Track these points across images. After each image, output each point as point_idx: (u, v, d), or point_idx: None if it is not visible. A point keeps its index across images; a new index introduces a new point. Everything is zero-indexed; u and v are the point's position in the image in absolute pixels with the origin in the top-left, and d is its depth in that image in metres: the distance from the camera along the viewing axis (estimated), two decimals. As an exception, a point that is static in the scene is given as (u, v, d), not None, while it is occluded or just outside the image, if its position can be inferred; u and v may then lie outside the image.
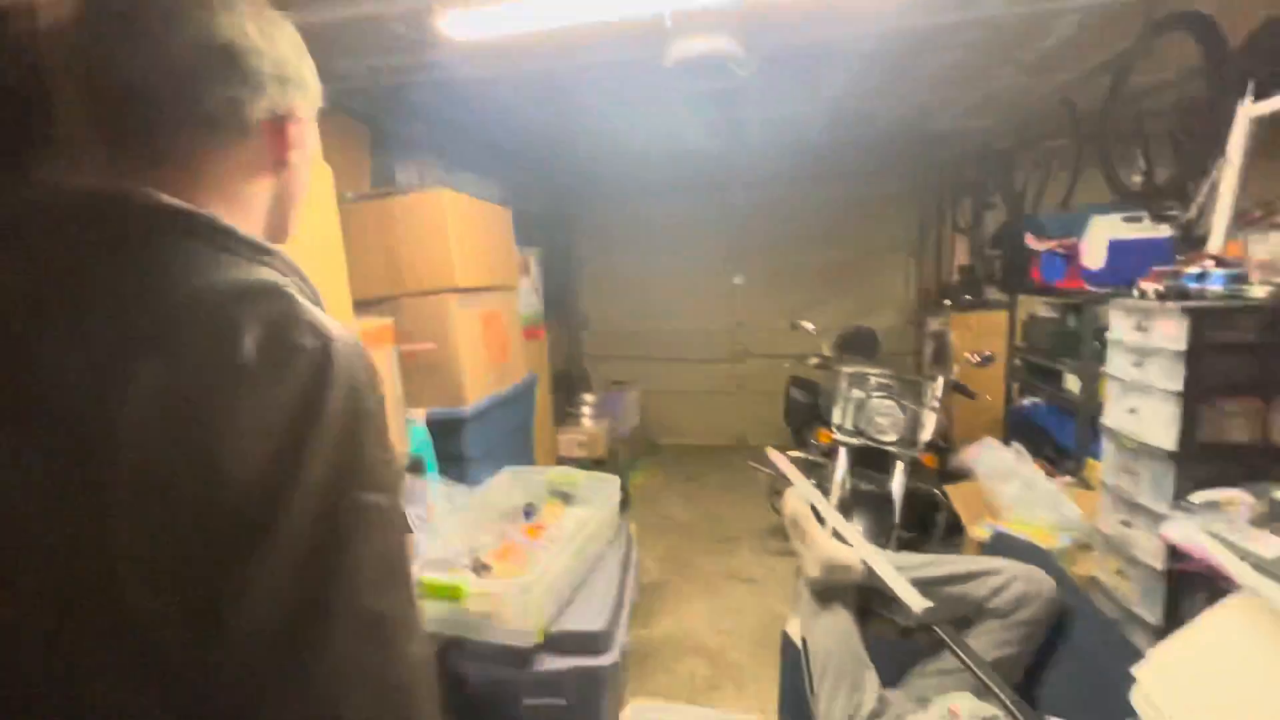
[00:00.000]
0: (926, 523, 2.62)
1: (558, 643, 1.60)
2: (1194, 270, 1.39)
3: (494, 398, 2.26)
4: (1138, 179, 2.33)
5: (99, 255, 0.47)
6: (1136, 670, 0.75)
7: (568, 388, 4.42)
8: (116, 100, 0.50)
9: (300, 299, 0.49)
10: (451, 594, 1.50)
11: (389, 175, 2.62)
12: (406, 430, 1.82)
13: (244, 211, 0.56)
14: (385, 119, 2.65)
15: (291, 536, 0.45)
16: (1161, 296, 1.39)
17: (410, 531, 0.51)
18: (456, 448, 2.10)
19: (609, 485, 2.10)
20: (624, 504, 2.38)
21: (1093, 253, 2.32)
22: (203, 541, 0.44)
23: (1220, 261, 1.38)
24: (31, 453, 0.44)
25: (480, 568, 1.65)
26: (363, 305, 2.02)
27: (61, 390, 0.44)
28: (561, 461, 3.61)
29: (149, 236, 0.48)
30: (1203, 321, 1.29)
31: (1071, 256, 2.55)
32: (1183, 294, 1.37)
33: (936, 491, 2.62)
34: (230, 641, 0.45)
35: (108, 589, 0.44)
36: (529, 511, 2.03)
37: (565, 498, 2.12)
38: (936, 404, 2.66)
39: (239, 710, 0.46)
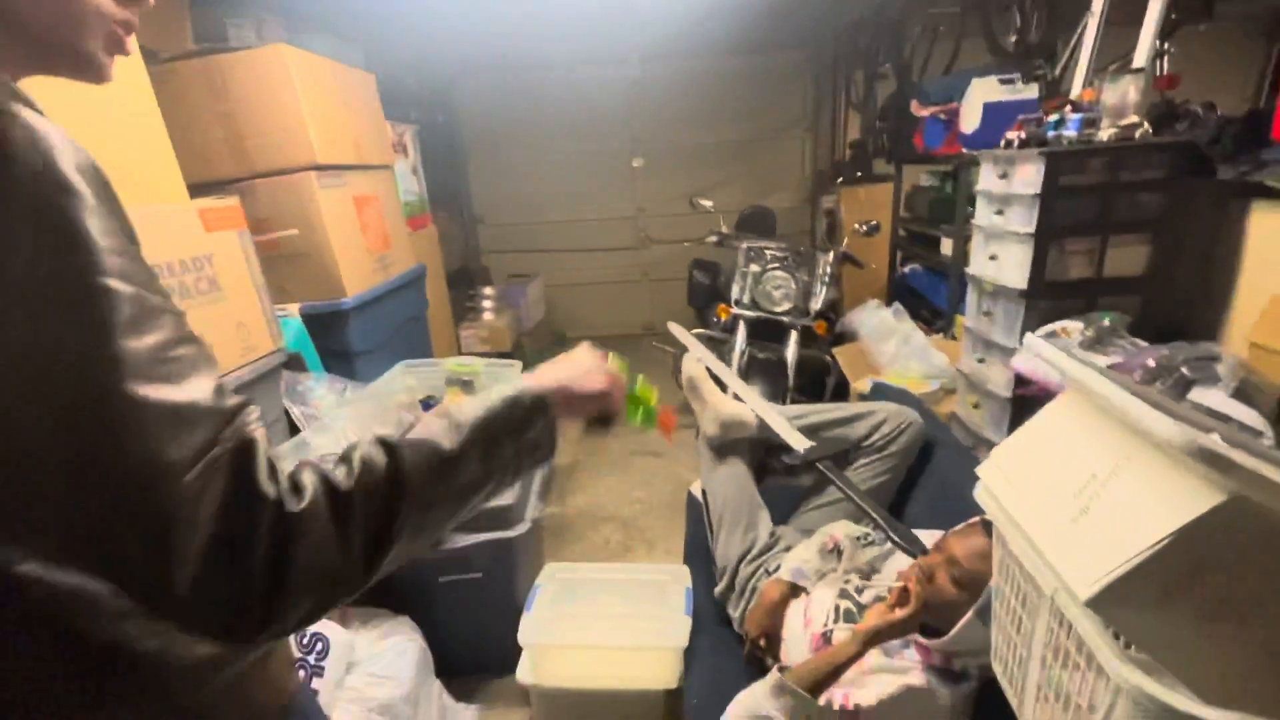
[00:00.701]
0: (818, 385, 2.82)
1: (467, 520, 1.61)
2: (1053, 118, 1.46)
3: (378, 288, 2.10)
4: (1013, 39, 2.37)
5: None
6: (979, 469, 0.84)
7: (466, 284, 4.22)
8: None
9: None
10: (348, 484, 1.45)
11: (219, 35, 2.21)
12: (279, 326, 1.66)
13: None
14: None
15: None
16: (1023, 144, 1.47)
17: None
18: (341, 343, 1.96)
19: (512, 370, 2.07)
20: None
21: (970, 116, 2.39)
22: None
23: (1076, 107, 1.45)
24: None
25: (378, 457, 1.60)
26: (205, 188, 1.75)
27: None
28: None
29: None
30: (1056, 165, 1.38)
31: (951, 122, 2.63)
32: (1041, 141, 1.44)
33: (827, 357, 2.79)
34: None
35: None
36: (428, 403, 1.97)
37: (466, 386, 2.08)
38: (828, 275, 2.77)
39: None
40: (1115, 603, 0.57)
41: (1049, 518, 0.69)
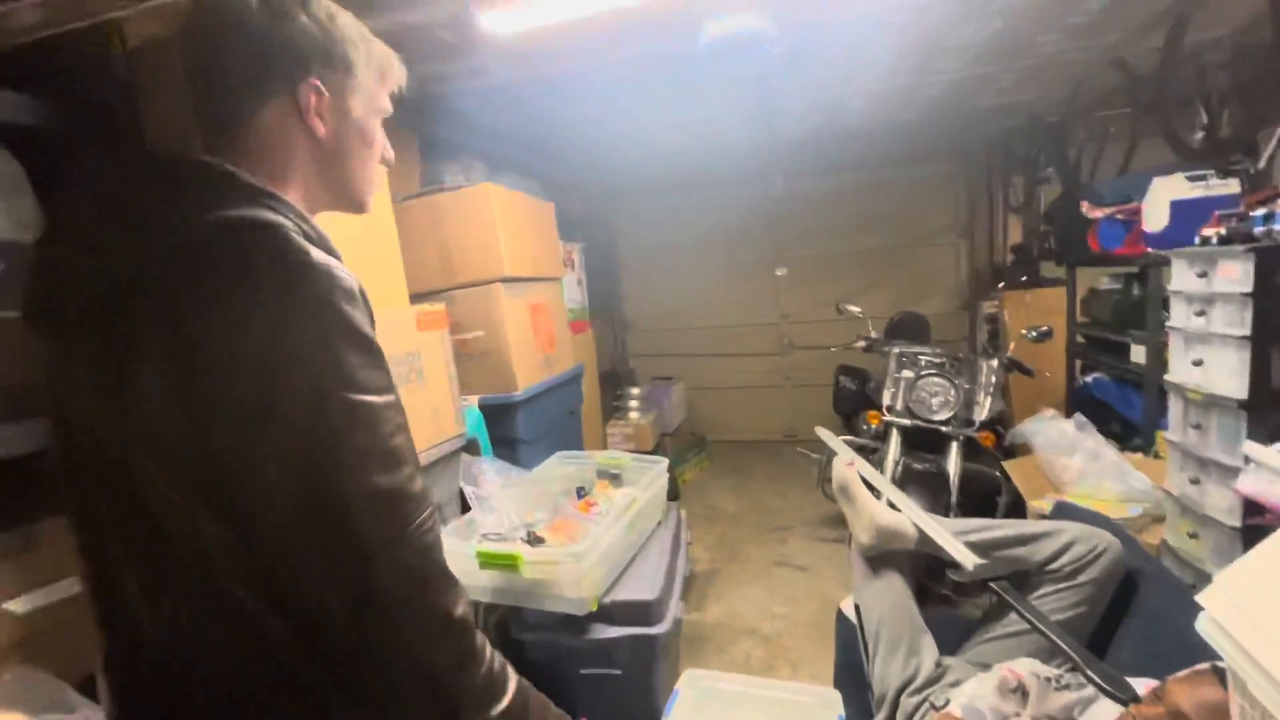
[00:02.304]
0: (988, 504, 2.54)
1: (611, 613, 1.64)
2: (1259, 212, 1.33)
3: (543, 384, 2.33)
4: (1199, 135, 2.21)
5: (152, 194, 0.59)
6: (1201, 597, 0.73)
7: (615, 385, 4.48)
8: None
9: (291, 234, 0.57)
10: (508, 563, 1.56)
11: (437, 179, 2.74)
12: (462, 414, 1.90)
13: (282, 175, 0.66)
14: (431, 126, 2.78)
15: (284, 431, 0.53)
16: (1224, 240, 1.33)
17: (404, 428, 0.62)
18: (509, 431, 2.17)
19: (657, 466, 2.14)
20: (673, 494, 2.41)
21: (1155, 215, 2.22)
22: (209, 438, 0.53)
23: (1288, 200, 1.31)
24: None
25: (535, 540, 1.71)
26: (417, 298, 2.12)
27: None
28: (610, 453, 3.67)
29: (180, 181, 0.59)
30: (1269, 260, 1.23)
31: (1131, 222, 2.45)
32: (1248, 236, 1.31)
33: (996, 473, 2.53)
34: (253, 530, 0.54)
35: (133, 481, 0.56)
36: (581, 491, 2.08)
37: (614, 479, 2.17)
38: (993, 384, 2.58)
39: (282, 592, 0.56)
40: None
41: (1301, 657, 0.58)
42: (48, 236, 0.62)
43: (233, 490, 0.54)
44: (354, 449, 0.54)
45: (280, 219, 0.57)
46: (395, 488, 0.57)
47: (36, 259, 0.60)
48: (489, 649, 0.64)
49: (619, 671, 1.63)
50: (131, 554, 0.59)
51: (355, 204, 0.75)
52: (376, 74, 0.72)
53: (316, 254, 0.56)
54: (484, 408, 2.08)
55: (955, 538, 1.40)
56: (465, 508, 1.85)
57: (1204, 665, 0.91)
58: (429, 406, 1.70)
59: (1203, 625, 0.75)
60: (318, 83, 0.65)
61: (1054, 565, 1.34)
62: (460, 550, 1.62)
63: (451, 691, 0.60)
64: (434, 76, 2.39)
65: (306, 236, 0.59)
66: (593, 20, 1.76)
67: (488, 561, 1.58)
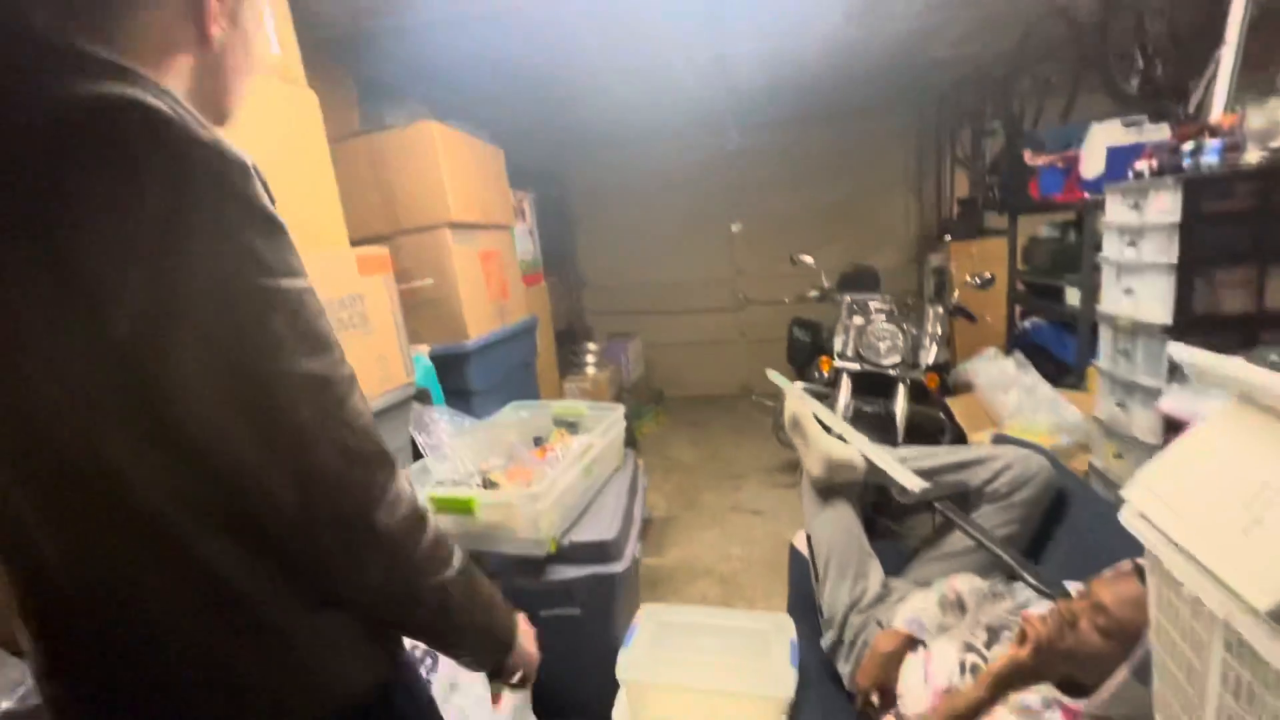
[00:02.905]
0: (930, 442, 2.65)
1: (570, 553, 1.65)
2: (1189, 146, 1.38)
3: (496, 334, 2.28)
4: (1136, 83, 2.28)
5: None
6: (1125, 490, 0.77)
7: (571, 342, 4.44)
8: None
9: (169, 112, 0.49)
10: (463, 507, 1.54)
11: (378, 120, 2.60)
12: (411, 362, 1.84)
13: (159, 75, 0.56)
14: (369, 65, 2.62)
15: (196, 334, 0.48)
16: (1156, 174, 1.39)
17: (324, 314, 0.57)
18: (462, 381, 2.13)
19: (613, 413, 2.13)
20: (630, 444, 2.42)
21: (1091, 161, 2.30)
22: (110, 356, 0.48)
23: (1215, 132, 1.36)
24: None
25: (490, 485, 1.69)
26: (362, 244, 2.02)
27: None
28: (567, 409, 3.65)
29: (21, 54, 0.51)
30: (1196, 191, 1.28)
31: (1070, 169, 2.52)
32: (1176, 168, 1.36)
33: (939, 413, 2.64)
34: (178, 442, 0.50)
35: (21, 392, 0.50)
36: (538, 440, 2.07)
37: (571, 427, 2.16)
38: (939, 330, 2.67)
39: (212, 502, 0.53)
40: (1306, 615, 0.50)
41: (1214, 533, 0.62)
42: None
43: (149, 404, 0.49)
44: (276, 337, 0.51)
45: (155, 100, 0.50)
46: (325, 372, 0.54)
47: None
48: (432, 516, 0.64)
49: (578, 611, 1.65)
50: (23, 481, 0.53)
51: (223, 111, 0.65)
52: None
53: (203, 131, 0.50)
54: (435, 357, 2.02)
55: (901, 465, 1.46)
56: (418, 455, 1.82)
57: (1125, 563, 0.98)
58: (375, 353, 1.64)
59: (1125, 516, 0.80)
60: None
61: (991, 487, 1.42)
62: (413, 497, 1.59)
63: (409, 554, 0.59)
64: (365, 10, 2.23)
65: (200, 122, 0.52)
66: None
67: (441, 506, 1.55)
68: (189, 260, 0.47)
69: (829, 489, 1.55)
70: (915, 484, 1.38)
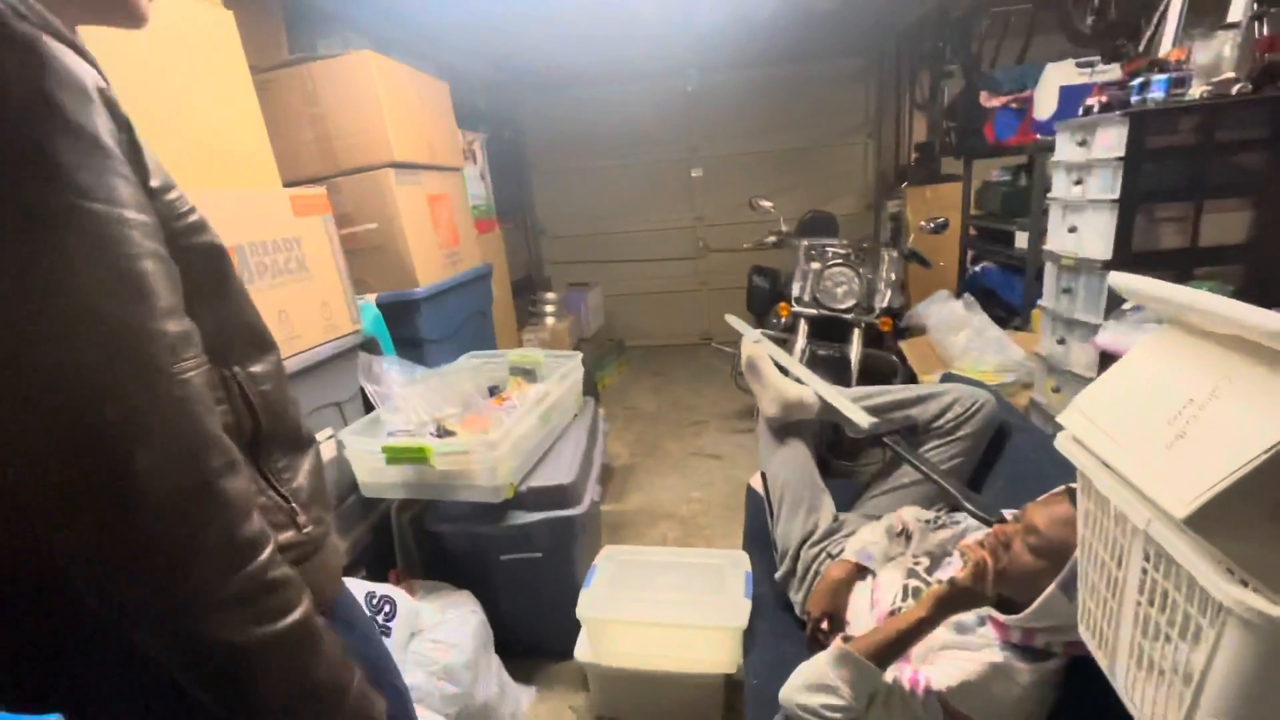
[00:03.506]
0: (882, 383, 2.72)
1: (528, 499, 1.65)
2: (1137, 81, 1.38)
3: (447, 281, 2.20)
4: (1090, 21, 2.28)
5: None
6: (1061, 417, 0.79)
7: (529, 292, 4.35)
8: None
9: None
10: (417, 456, 1.51)
11: (310, 51, 2.41)
12: (357, 309, 1.77)
13: None
14: (300, -9, 2.41)
15: None
16: (1105, 108, 1.39)
17: (160, 257, 0.47)
18: (413, 330, 2.06)
19: (571, 360, 2.11)
20: (590, 393, 2.41)
21: (1044, 102, 2.31)
22: None
23: (1162, 67, 1.37)
24: None
25: (445, 434, 1.66)
26: (295, 186, 1.90)
27: None
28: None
29: None
30: (1142, 126, 1.30)
31: (1024, 110, 2.53)
32: (1124, 103, 1.37)
33: (893, 356, 2.70)
34: None
35: None
36: (494, 390, 2.04)
37: (528, 375, 2.13)
38: (894, 274, 2.70)
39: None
40: (1218, 521, 0.52)
41: (1140, 450, 0.65)
42: None
43: None
44: (76, 268, 0.42)
45: None
46: (136, 323, 0.44)
47: None
48: (274, 556, 0.50)
49: (539, 554, 1.66)
50: None
51: (125, 9, 0.55)
52: None
53: (24, 27, 0.42)
54: (383, 305, 1.94)
55: (852, 403, 1.48)
56: (370, 407, 1.77)
57: (1058, 489, 1.02)
58: (317, 300, 1.56)
59: (1059, 442, 0.83)
60: None
61: (938, 422, 1.46)
62: (365, 448, 1.56)
63: (202, 581, 0.45)
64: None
65: (20, 15, 0.44)
66: None
67: (395, 456, 1.52)
68: None
69: (784, 428, 1.58)
70: (865, 420, 1.41)
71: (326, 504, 0.71)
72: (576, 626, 1.54)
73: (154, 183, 0.51)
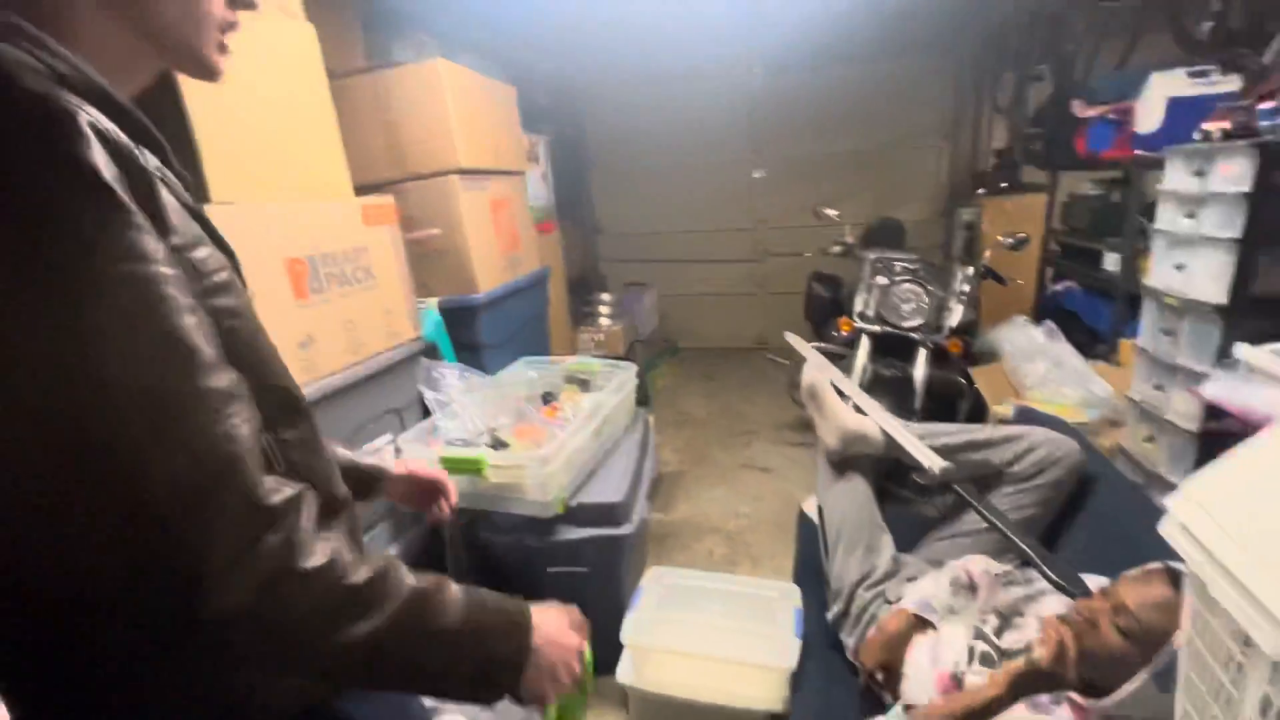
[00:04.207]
0: (949, 409, 2.60)
1: (577, 515, 1.64)
2: (1267, 105, 1.24)
3: (507, 286, 2.22)
4: (1208, 27, 2.07)
5: None
6: (1170, 500, 0.71)
7: (584, 291, 4.36)
8: None
9: (21, 67, 0.42)
10: (472, 467, 1.53)
11: (384, 54, 2.46)
12: (419, 316, 1.80)
13: (60, 14, 0.49)
14: (377, -6, 2.46)
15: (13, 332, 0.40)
16: (1229, 135, 1.26)
17: (195, 310, 0.46)
18: (471, 335, 2.08)
19: (625, 372, 2.09)
20: (644, 400, 2.39)
21: (1148, 114, 2.13)
22: None
23: (1300, 93, 1.23)
24: None
25: (499, 444, 1.68)
26: (366, 190, 1.94)
27: None
28: (580, 359, 3.62)
29: None
30: (1273, 157, 1.16)
31: (1122, 123, 2.34)
32: (1252, 131, 1.23)
33: (960, 379, 2.57)
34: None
35: None
36: (547, 397, 2.04)
37: (583, 385, 2.13)
38: (965, 292, 2.56)
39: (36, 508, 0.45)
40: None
41: (1272, 565, 0.57)
42: None
43: None
44: (110, 337, 0.42)
45: (9, 52, 0.43)
46: (180, 386, 0.44)
47: None
48: (352, 562, 0.52)
49: (586, 569, 1.66)
50: None
51: (185, 57, 0.56)
52: None
53: (38, 84, 0.42)
54: (444, 310, 1.97)
55: (921, 442, 1.41)
56: (427, 413, 1.80)
57: (1155, 564, 0.93)
58: (381, 307, 1.59)
59: (1167, 528, 0.75)
60: None
61: (1014, 468, 1.37)
62: (422, 454, 1.58)
63: (287, 619, 0.47)
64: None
65: (56, 76, 0.45)
66: None
67: (450, 466, 1.54)
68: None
69: (844, 461, 1.51)
70: (935, 463, 1.33)
71: None
72: (620, 646, 1.53)
73: (174, 239, 0.50)
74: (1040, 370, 2.00)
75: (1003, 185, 3.61)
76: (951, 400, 2.55)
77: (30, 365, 0.41)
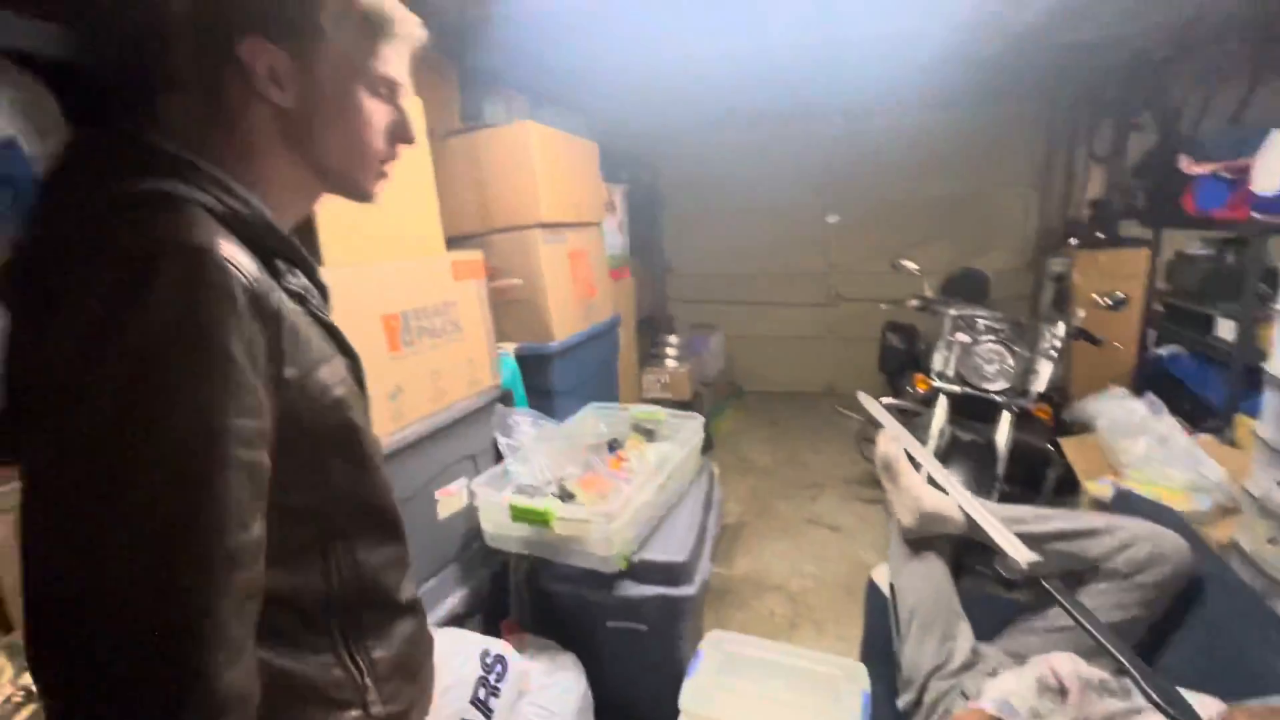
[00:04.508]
0: (1035, 478, 2.44)
1: (640, 571, 1.64)
2: None
3: (580, 334, 2.28)
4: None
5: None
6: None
7: (652, 331, 4.41)
8: None
9: (194, 214, 0.48)
10: (540, 519, 1.57)
11: (477, 112, 2.63)
12: (498, 365, 1.88)
13: (239, 148, 0.58)
14: (472, 55, 2.64)
15: (72, 457, 0.44)
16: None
17: (257, 483, 0.49)
18: (544, 382, 2.15)
19: (692, 423, 2.10)
20: (707, 446, 2.37)
21: (1268, 175, 1.98)
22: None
23: None
24: None
25: (566, 495, 1.71)
26: (454, 242, 2.07)
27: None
28: (645, 402, 3.65)
29: (94, 149, 0.53)
30: None
31: (1238, 181, 2.18)
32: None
33: (1048, 446, 2.41)
34: (35, 495, 0.46)
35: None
36: (613, 446, 2.07)
37: (648, 434, 2.15)
38: (1054, 352, 2.42)
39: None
40: None
41: None
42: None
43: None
44: (156, 483, 0.44)
45: (196, 195, 0.50)
46: (202, 535, 0.46)
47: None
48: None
49: (645, 627, 1.65)
50: None
51: (349, 187, 0.64)
52: (361, 34, 0.60)
53: (206, 239, 0.48)
54: (519, 357, 2.05)
55: (1006, 527, 1.33)
56: (499, 457, 1.86)
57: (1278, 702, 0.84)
58: (465, 357, 1.68)
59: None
60: (263, 42, 0.56)
61: (1111, 564, 1.27)
62: (493, 501, 1.64)
63: None
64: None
65: (228, 215, 0.51)
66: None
67: (519, 515, 1.59)
68: (109, 387, 0.44)
69: (920, 540, 1.45)
70: (1023, 555, 1.25)
71: (416, 675, 0.70)
72: (676, 709, 1.50)
73: (289, 372, 0.54)
74: (1141, 448, 1.85)
75: (1098, 237, 3.42)
76: (1038, 470, 2.40)
77: (82, 486, 0.44)
